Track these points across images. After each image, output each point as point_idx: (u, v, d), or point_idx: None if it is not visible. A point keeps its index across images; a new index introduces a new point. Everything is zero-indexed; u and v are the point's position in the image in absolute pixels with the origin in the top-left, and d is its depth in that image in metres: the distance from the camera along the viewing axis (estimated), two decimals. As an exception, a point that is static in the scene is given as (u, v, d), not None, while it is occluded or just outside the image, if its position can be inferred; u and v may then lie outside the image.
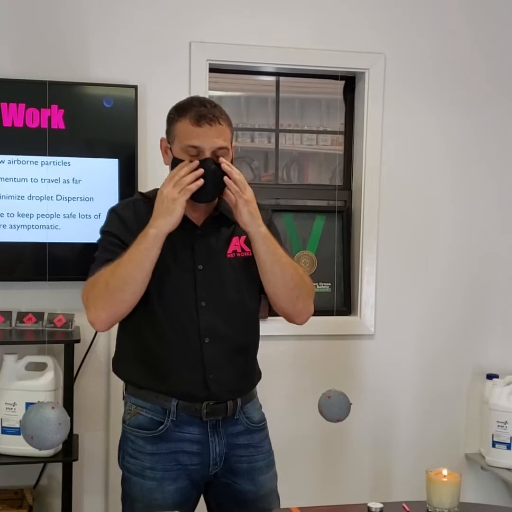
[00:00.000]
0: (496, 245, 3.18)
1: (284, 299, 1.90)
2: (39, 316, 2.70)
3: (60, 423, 1.63)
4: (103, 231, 1.93)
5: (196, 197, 1.82)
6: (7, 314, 2.71)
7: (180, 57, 2.84)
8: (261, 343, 2.03)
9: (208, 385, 1.88)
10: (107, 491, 2.90)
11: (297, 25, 2.94)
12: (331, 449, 3.08)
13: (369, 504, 1.87)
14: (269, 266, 1.86)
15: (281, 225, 3.09)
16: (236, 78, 3.17)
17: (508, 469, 2.94)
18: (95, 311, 1.81)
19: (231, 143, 1.89)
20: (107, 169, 2.71)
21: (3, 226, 2.65)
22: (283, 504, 2.05)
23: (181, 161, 1.82)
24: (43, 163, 2.66)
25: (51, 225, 2.68)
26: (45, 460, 2.63)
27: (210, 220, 1.92)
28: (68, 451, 2.56)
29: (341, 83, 3.12)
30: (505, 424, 2.95)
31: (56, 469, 2.75)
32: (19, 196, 2.66)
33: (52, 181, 2.67)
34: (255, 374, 2.03)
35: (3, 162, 2.65)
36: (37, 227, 2.67)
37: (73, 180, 2.69)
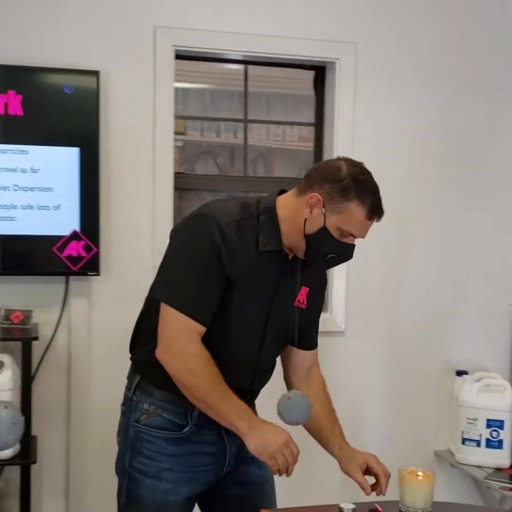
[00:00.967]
0: (469, 240, 3.15)
1: None
2: (-6, 312, 2.58)
3: (13, 423, 1.57)
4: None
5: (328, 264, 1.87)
6: (-40, 310, 2.59)
7: (144, 42, 2.74)
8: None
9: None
10: (68, 493, 2.77)
11: (267, 12, 2.86)
12: (300, 448, 3.00)
13: (341, 505, 1.81)
14: None
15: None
16: (203, 71, 3.07)
17: (478, 466, 2.91)
18: (172, 365, 1.75)
19: None
20: (67, 158, 2.60)
21: (-44, 217, 2.53)
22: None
23: (329, 234, 1.74)
24: (-1, 151, 2.54)
25: (7, 217, 2.56)
26: (1, 463, 2.51)
27: (296, 257, 1.85)
28: (26, 453, 2.46)
29: (310, 78, 3.05)
30: (474, 420, 2.91)
31: (14, 471, 2.63)
32: (-27, 186, 2.54)
33: (9, 170, 2.56)
34: None
35: (-44, 150, 2.52)
36: (-8, 218, 2.55)
37: (31, 169, 2.58)
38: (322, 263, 1.86)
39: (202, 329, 1.74)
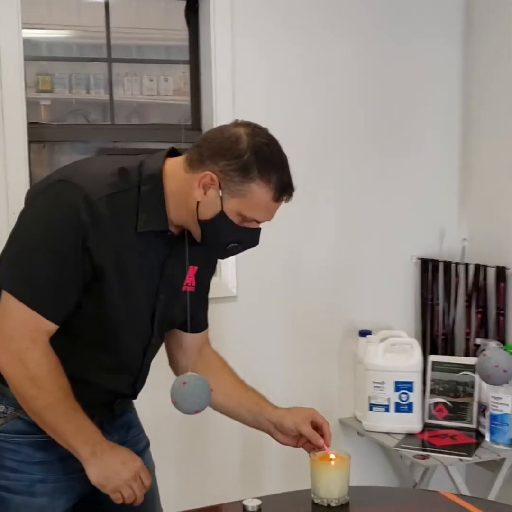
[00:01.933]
0: (369, 192, 2.89)
1: None
2: None
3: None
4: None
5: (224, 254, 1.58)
6: None
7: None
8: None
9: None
10: None
11: None
12: (191, 428, 2.69)
13: (245, 502, 1.53)
14: None
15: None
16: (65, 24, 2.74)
17: (387, 433, 2.68)
18: (8, 369, 1.45)
19: None
20: None
21: None
22: None
23: (228, 220, 1.46)
24: None
25: None
26: None
27: (187, 234, 1.54)
28: None
29: (182, 25, 2.68)
30: (382, 384, 2.68)
31: None
32: None
33: None
34: None
35: None
36: None
37: None
38: (222, 253, 1.59)
39: (52, 328, 1.44)
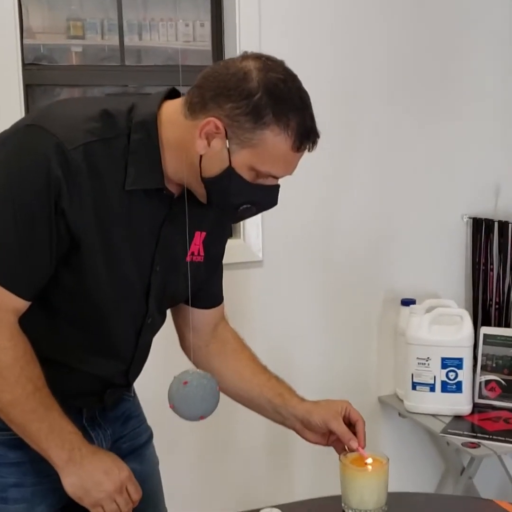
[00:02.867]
0: (412, 140, 2.54)
1: None
2: None
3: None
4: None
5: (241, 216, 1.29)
6: None
7: None
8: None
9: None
10: None
11: None
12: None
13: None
14: None
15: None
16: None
17: (433, 415, 2.38)
18: None
19: None
20: None
21: None
22: None
23: (238, 177, 1.19)
24: None
25: None
26: None
27: (186, 193, 1.28)
28: None
29: None
30: (427, 361, 2.37)
31: None
32: None
33: None
34: None
35: None
36: None
37: None
38: (232, 216, 1.32)
39: (20, 305, 1.20)
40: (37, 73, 2.26)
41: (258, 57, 1.19)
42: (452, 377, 2.36)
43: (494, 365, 2.45)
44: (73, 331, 1.29)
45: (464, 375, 2.36)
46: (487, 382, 2.45)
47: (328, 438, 1.42)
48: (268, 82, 1.15)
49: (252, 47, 2.22)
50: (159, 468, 1.55)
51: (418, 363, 2.37)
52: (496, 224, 2.58)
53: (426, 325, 2.36)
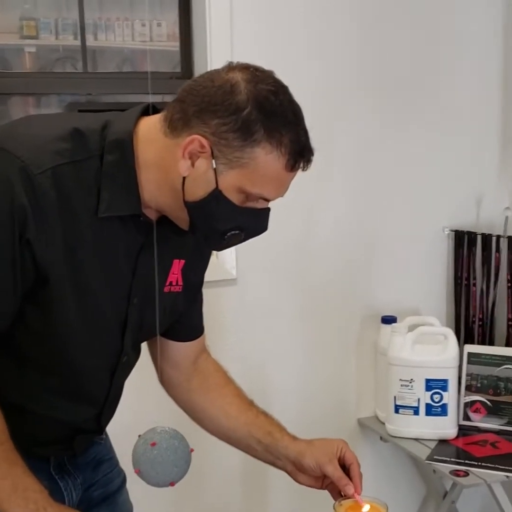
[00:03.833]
0: (392, 150, 2.42)
1: None
2: None
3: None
4: None
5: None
6: None
7: None
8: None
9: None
10: None
11: None
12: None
13: None
14: None
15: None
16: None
17: (416, 440, 2.26)
18: None
19: None
20: None
21: None
22: None
23: (226, 200, 1.07)
24: None
25: None
26: None
27: (166, 219, 1.16)
28: None
29: None
30: (410, 383, 2.24)
31: None
32: None
33: None
34: None
35: None
36: None
37: None
38: (218, 243, 1.17)
39: None
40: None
41: (245, 67, 1.07)
42: (436, 400, 2.24)
43: (479, 385, 2.35)
44: (42, 376, 1.15)
45: (450, 397, 2.24)
46: (472, 403, 2.34)
47: (322, 481, 1.31)
48: (258, 95, 1.03)
49: (223, 45, 2.14)
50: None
51: (401, 385, 2.25)
52: (479, 237, 2.47)
53: (409, 345, 2.24)
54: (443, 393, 2.23)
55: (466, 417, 2.34)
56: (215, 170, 1.05)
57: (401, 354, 2.24)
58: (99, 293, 1.12)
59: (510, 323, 2.42)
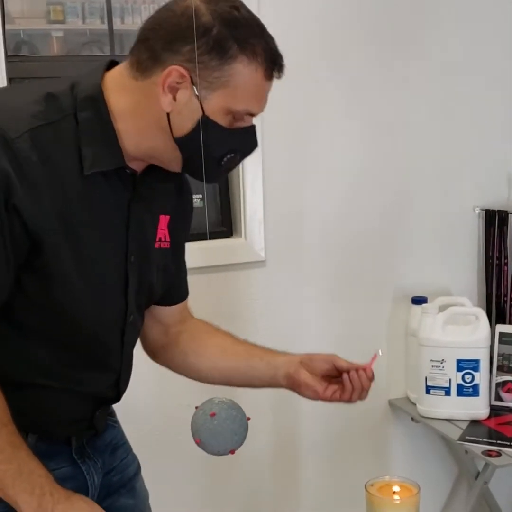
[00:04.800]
0: (419, 126, 2.39)
1: None
2: None
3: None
4: None
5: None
6: None
7: None
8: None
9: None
10: None
11: None
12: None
13: None
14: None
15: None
16: None
17: (448, 420, 2.25)
18: None
19: None
20: None
21: None
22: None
23: (214, 124, 1.08)
24: None
25: None
26: None
27: (154, 170, 1.18)
28: None
29: None
30: (441, 363, 2.23)
31: None
32: None
33: None
34: None
35: None
36: None
37: None
38: (216, 172, 1.15)
39: None
40: (20, 66, 2.10)
41: None
42: (468, 380, 2.23)
43: (511, 365, 2.33)
44: (55, 348, 1.15)
45: (481, 377, 2.23)
46: (504, 383, 2.32)
47: (326, 387, 1.31)
48: (222, 13, 1.05)
49: None
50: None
51: (432, 366, 2.24)
52: (510, 216, 2.44)
53: (439, 325, 2.23)
54: (474, 373, 2.22)
55: (498, 397, 2.32)
56: (198, 96, 1.06)
57: (432, 335, 2.23)
58: (96, 253, 1.12)
59: (542, 302, 2.40)
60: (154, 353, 1.40)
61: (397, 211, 2.42)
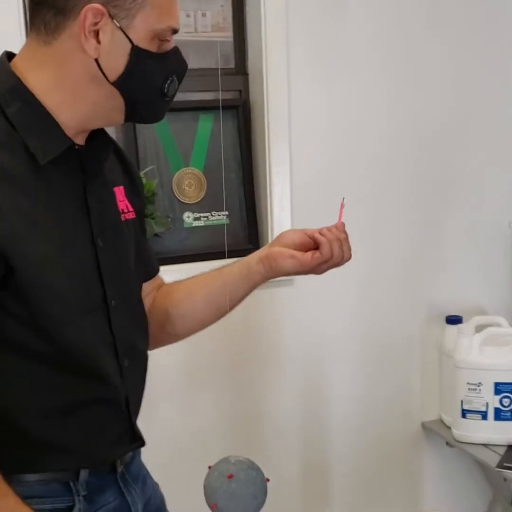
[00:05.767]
0: (452, 138, 2.32)
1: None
2: None
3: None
4: None
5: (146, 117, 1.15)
6: None
7: None
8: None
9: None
10: None
11: None
12: (242, 438, 2.22)
13: None
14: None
15: (150, 134, 2.14)
16: None
17: (485, 445, 2.17)
18: None
19: None
20: None
21: None
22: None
23: (146, 52, 1.05)
24: None
25: None
26: None
27: (94, 143, 1.14)
28: None
29: None
30: (478, 386, 2.15)
31: None
32: None
33: None
34: None
35: None
36: None
37: None
38: (162, 101, 1.11)
39: None
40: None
41: None
42: (506, 404, 2.14)
43: (549, 387, 2.24)
44: (55, 361, 1.07)
45: (520, 401, 2.15)
46: (542, 406, 2.24)
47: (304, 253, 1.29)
48: None
49: (279, 35, 2.07)
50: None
51: (469, 389, 2.16)
52: (548, 232, 2.36)
53: (476, 347, 2.15)
54: (513, 397, 2.14)
55: (537, 421, 2.23)
56: (121, 28, 1.03)
57: (468, 357, 2.15)
58: (64, 247, 1.07)
59: None
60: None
61: (430, 227, 2.34)
